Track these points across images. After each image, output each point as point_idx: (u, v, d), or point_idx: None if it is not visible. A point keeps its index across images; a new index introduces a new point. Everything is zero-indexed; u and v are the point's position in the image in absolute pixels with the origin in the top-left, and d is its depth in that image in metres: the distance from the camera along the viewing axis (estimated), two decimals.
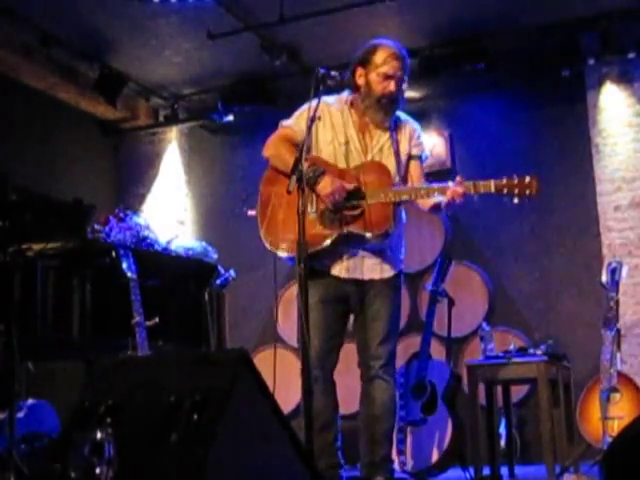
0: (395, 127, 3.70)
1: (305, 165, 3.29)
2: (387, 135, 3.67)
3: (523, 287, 6.58)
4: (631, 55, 6.13)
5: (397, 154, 3.65)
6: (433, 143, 6.82)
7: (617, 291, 4.79)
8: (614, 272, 4.81)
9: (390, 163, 3.62)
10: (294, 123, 3.70)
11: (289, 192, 3.32)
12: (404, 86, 3.67)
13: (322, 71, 3.50)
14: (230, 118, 7.11)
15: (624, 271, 4.84)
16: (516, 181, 3.44)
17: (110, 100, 6.67)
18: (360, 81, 3.63)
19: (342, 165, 3.61)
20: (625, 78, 6.27)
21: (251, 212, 3.72)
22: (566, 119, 6.60)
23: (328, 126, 3.65)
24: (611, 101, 6.29)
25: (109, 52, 6.46)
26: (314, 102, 3.45)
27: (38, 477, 3.17)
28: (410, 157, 3.72)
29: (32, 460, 3.73)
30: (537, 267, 6.57)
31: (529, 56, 6.38)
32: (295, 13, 5.72)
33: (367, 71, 3.61)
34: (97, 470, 2.27)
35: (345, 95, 3.74)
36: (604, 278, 4.84)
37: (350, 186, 3.53)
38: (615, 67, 6.26)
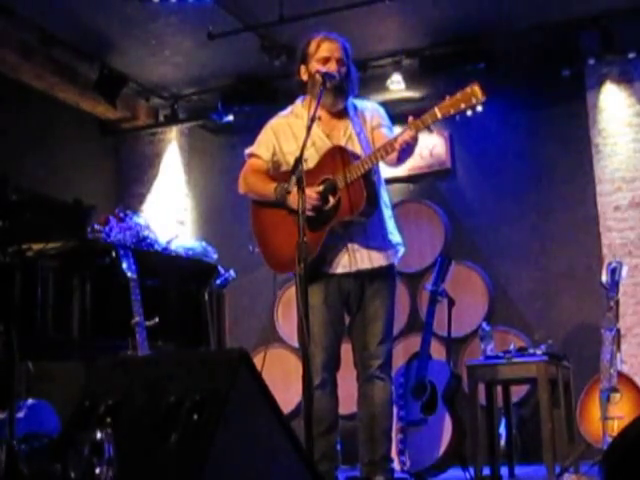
0: (355, 113, 3.75)
1: (277, 186, 3.45)
2: (350, 123, 3.70)
3: (523, 287, 6.58)
4: (631, 55, 6.12)
5: (360, 133, 3.69)
6: (433, 143, 6.83)
7: (617, 291, 4.79)
8: (614, 272, 4.81)
9: (357, 147, 3.64)
10: (256, 149, 3.80)
11: (288, 192, 3.35)
12: (350, 68, 3.69)
13: (322, 72, 3.53)
14: (230, 118, 7.11)
15: (624, 271, 4.84)
16: (459, 95, 3.36)
17: (110, 100, 6.66)
18: (305, 77, 3.70)
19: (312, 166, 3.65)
20: (625, 78, 6.27)
21: (257, 250, 3.80)
22: (566, 119, 6.60)
23: (290, 137, 3.69)
24: (611, 101, 6.29)
25: (109, 52, 6.46)
26: (273, 120, 3.74)
27: (38, 477, 3.17)
28: (372, 129, 3.74)
29: (32, 460, 3.73)
30: (537, 267, 6.57)
31: (529, 56, 6.38)
32: (295, 13, 5.71)
33: (307, 64, 3.69)
34: (97, 470, 2.27)
35: (299, 101, 3.79)
36: (604, 278, 4.84)
37: (319, 187, 3.54)
38: (615, 67, 6.26)
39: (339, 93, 3.66)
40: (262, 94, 6.88)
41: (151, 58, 6.60)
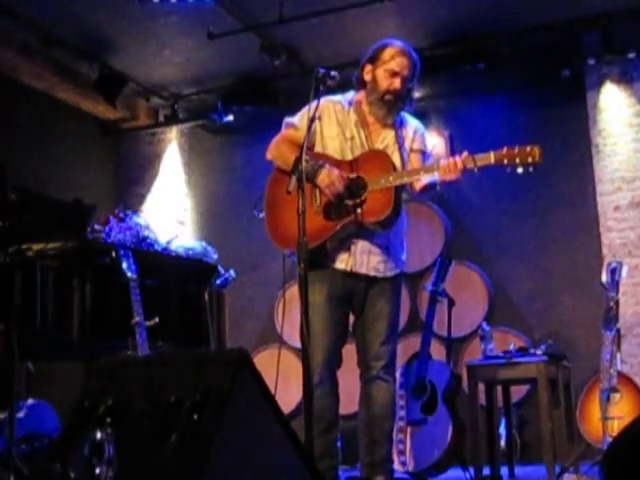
0: (400, 126, 3.75)
1: (305, 163, 3.31)
2: (392, 133, 3.70)
3: (523, 287, 6.58)
4: (631, 55, 6.13)
5: (402, 148, 3.69)
6: (433, 143, 6.82)
7: (617, 291, 4.79)
8: (614, 272, 4.81)
9: (396, 158, 3.64)
10: (298, 121, 3.72)
11: (289, 192, 3.33)
12: (411, 87, 3.69)
13: (322, 71, 3.51)
14: (230, 118, 7.11)
15: (624, 271, 4.84)
16: (517, 150, 3.39)
17: (110, 100, 6.67)
18: (367, 77, 3.68)
19: (348, 158, 3.64)
20: (625, 78, 6.27)
21: (262, 214, 3.75)
22: (566, 119, 6.60)
23: (334, 122, 3.67)
24: (611, 101, 6.29)
25: (109, 52, 6.46)
26: (322, 100, 3.52)
27: (38, 477, 3.17)
28: (412, 151, 3.75)
29: (32, 460, 3.74)
30: (537, 267, 6.57)
31: (529, 56, 6.38)
32: (295, 13, 5.72)
33: (375, 67, 3.66)
34: (97, 470, 2.27)
35: (351, 94, 3.78)
36: (604, 278, 4.84)
37: (351, 175, 3.54)
38: (615, 67, 6.26)
39: (393, 108, 3.66)
40: (262, 94, 6.88)
41: (151, 58, 6.60)
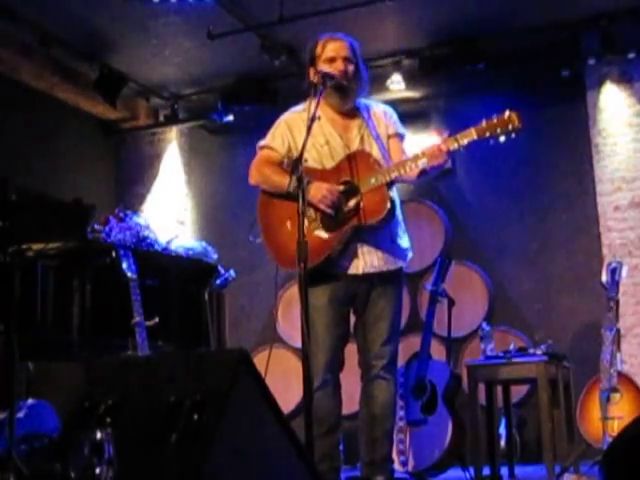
0: (368, 114, 3.74)
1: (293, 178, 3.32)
2: (362, 123, 3.70)
3: (523, 287, 6.58)
4: (631, 55, 6.13)
5: (377, 138, 3.69)
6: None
7: (617, 291, 4.79)
8: (614, 272, 4.82)
9: (374, 149, 3.64)
10: (270, 141, 3.76)
11: (289, 192, 3.34)
12: (358, 67, 3.68)
13: (322, 71, 3.53)
14: (230, 118, 7.12)
15: (624, 271, 4.85)
16: (496, 120, 3.39)
17: (110, 100, 6.67)
18: (315, 79, 3.66)
19: (330, 164, 3.63)
20: (625, 78, 6.27)
21: (259, 240, 3.75)
22: (566, 119, 6.60)
23: (304, 133, 3.66)
24: (611, 101, 6.29)
25: (109, 52, 6.46)
26: (287, 115, 3.67)
27: (38, 477, 3.18)
28: (389, 137, 3.74)
29: (32, 460, 3.73)
30: (537, 267, 6.57)
31: (529, 56, 6.38)
32: (295, 13, 5.72)
33: (315, 66, 3.68)
34: (97, 470, 2.27)
35: (308, 101, 3.76)
36: (604, 278, 4.85)
37: (340, 187, 3.54)
38: (615, 67, 6.26)
39: (344, 92, 3.65)
40: (262, 94, 6.88)
41: (151, 58, 6.60)
